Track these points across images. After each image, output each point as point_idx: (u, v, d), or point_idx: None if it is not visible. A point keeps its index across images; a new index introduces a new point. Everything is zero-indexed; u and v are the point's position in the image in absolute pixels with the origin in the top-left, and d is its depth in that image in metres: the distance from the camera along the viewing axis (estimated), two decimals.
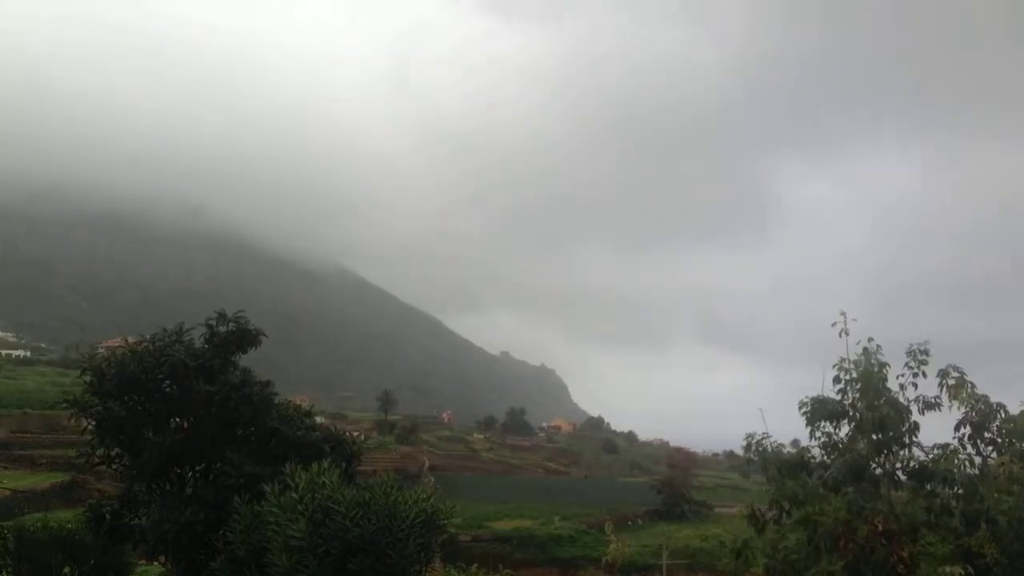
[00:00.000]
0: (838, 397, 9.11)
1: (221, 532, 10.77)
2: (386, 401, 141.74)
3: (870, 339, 9.02)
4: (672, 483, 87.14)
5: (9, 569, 14.24)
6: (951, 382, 8.83)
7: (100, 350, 20.28)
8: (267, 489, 9.69)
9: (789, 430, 9.93)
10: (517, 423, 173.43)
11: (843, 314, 9.07)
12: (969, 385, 8.79)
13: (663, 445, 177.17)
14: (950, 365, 8.92)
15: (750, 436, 9.58)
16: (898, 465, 9.08)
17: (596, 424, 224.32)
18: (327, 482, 9.27)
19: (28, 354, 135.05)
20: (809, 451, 9.39)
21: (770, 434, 9.55)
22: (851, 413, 9.06)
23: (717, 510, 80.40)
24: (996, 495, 8.27)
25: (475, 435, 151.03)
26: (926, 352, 8.90)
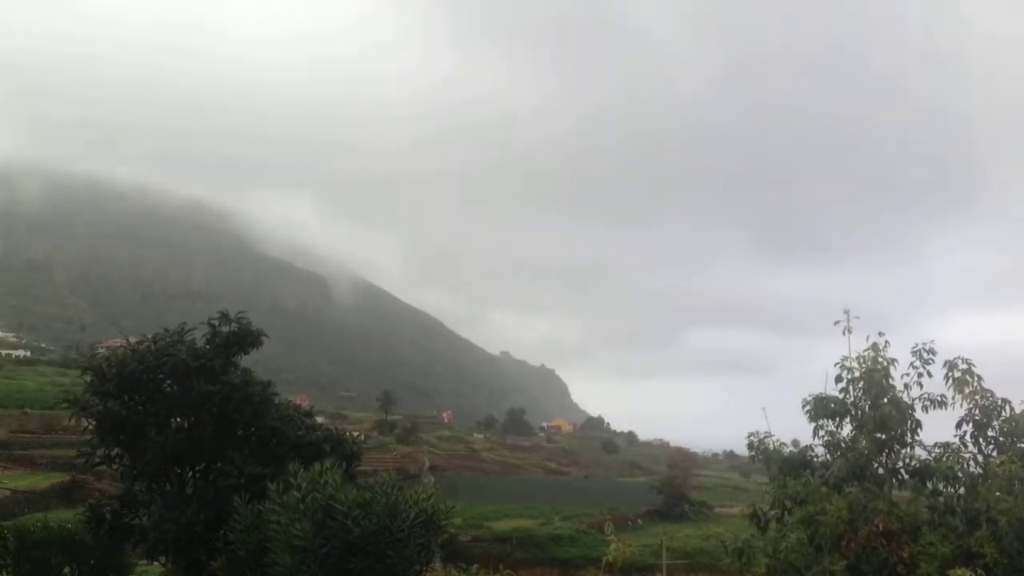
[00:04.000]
0: (840, 396, 9.09)
1: (221, 532, 10.76)
2: (386, 401, 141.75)
3: (880, 333, 8.98)
4: (672, 483, 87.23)
5: (9, 569, 14.21)
6: (957, 374, 8.78)
7: (100, 350, 20.29)
8: (271, 487, 9.69)
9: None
10: (517, 423, 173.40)
11: (846, 312, 9.06)
12: (976, 378, 8.74)
13: (663, 445, 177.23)
14: (958, 357, 8.85)
15: (753, 435, 9.56)
16: (900, 464, 9.06)
17: (596, 424, 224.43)
18: (329, 481, 9.25)
19: (28, 354, 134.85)
20: (812, 450, 9.37)
21: (772, 433, 9.54)
22: (853, 412, 9.04)
23: (717, 510, 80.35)
24: (996, 495, 8.24)
25: (475, 435, 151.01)
26: (932, 351, 8.85)
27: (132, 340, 13.83)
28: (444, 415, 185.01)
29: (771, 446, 9.47)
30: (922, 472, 8.88)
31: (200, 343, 13.58)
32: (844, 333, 9.05)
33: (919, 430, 8.88)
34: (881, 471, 9.01)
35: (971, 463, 8.79)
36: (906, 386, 8.87)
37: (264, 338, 14.18)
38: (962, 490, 8.57)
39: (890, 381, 8.87)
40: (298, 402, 17.87)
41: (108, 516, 13.51)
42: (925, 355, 8.84)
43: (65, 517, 18.19)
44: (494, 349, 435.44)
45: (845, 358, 9.07)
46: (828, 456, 9.23)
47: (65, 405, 13.64)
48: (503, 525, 67.41)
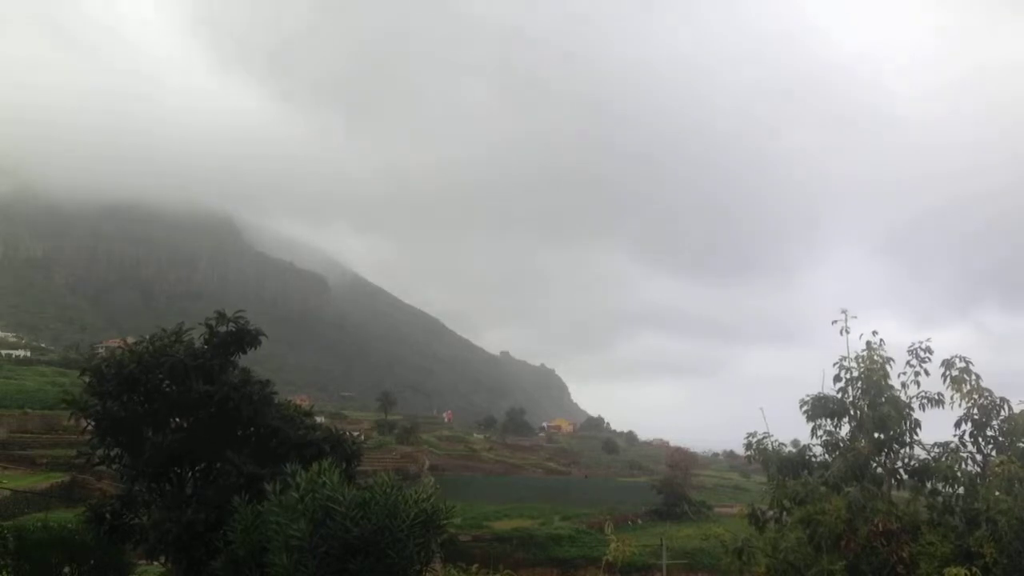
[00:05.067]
0: (839, 395, 9.09)
1: (221, 532, 10.76)
2: (386, 401, 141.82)
3: (874, 332, 8.98)
4: (672, 483, 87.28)
5: (9, 569, 14.23)
6: (955, 372, 8.77)
7: (100, 350, 20.29)
8: (268, 488, 9.68)
9: None
10: (517, 423, 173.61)
11: (843, 312, 9.06)
12: (974, 377, 8.73)
13: (663, 445, 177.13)
14: (956, 355, 8.86)
15: (751, 435, 9.56)
16: (899, 464, 9.06)
17: (596, 424, 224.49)
18: (328, 481, 9.25)
19: (28, 354, 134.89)
20: (810, 449, 9.37)
21: (771, 433, 9.54)
22: (852, 412, 9.04)
23: (717, 510, 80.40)
24: (996, 494, 8.24)
25: (475, 435, 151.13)
26: (929, 350, 8.85)
27: (130, 340, 13.82)
28: (444, 415, 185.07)
29: (769, 447, 9.48)
30: (921, 472, 8.88)
31: (199, 343, 13.58)
32: (841, 333, 9.07)
33: (918, 430, 8.89)
34: (880, 471, 9.01)
35: (970, 463, 8.79)
36: (903, 385, 8.87)
37: (263, 337, 14.16)
38: (961, 490, 8.57)
39: (888, 381, 8.88)
40: (298, 402, 17.86)
41: (108, 516, 13.48)
42: (922, 354, 8.85)
43: (65, 517, 18.22)
44: (494, 349, 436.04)
45: (843, 357, 9.08)
46: (827, 456, 9.24)
47: (64, 405, 13.64)
48: (503, 525, 67.45)
